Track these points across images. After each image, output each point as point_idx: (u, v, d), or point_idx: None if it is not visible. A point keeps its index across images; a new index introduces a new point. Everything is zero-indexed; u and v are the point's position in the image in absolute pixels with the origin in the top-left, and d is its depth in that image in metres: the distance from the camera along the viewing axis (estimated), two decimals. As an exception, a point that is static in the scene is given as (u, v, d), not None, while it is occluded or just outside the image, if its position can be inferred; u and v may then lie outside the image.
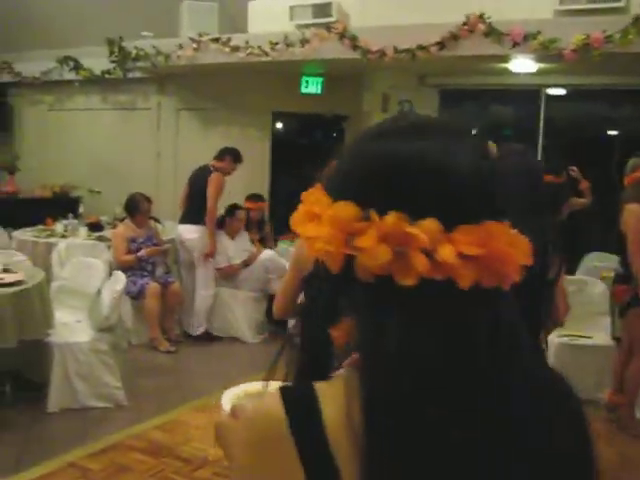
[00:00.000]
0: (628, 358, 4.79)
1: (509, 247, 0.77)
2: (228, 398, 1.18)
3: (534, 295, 2.55)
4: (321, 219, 0.77)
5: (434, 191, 0.75)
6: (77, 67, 8.95)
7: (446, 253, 0.73)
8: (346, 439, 0.73)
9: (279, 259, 6.78)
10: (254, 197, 7.37)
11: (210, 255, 6.54)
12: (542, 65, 6.54)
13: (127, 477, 3.75)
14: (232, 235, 6.93)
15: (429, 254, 0.73)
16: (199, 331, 6.65)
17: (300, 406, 0.76)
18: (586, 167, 5.96)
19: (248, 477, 0.78)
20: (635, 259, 4.43)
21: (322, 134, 9.40)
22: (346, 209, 0.75)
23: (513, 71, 6.82)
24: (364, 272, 0.75)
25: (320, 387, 0.77)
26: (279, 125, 8.98)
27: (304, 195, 0.82)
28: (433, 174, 0.76)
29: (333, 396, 0.76)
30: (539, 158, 7.44)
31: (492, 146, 2.48)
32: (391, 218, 0.74)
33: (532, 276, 2.42)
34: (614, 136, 7.83)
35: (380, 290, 0.75)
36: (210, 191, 6.45)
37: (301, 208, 0.81)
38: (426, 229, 0.73)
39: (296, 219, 0.81)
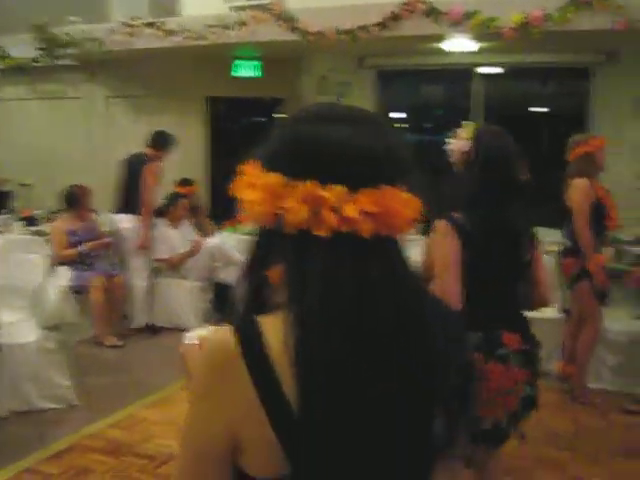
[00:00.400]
0: (578, 329, 4.91)
1: (401, 206, 0.99)
2: (191, 336, 1.24)
3: (512, 277, 2.57)
4: (255, 186, 0.99)
5: (342, 164, 0.97)
6: (2, 56, 8.56)
7: (350, 211, 0.95)
8: (286, 360, 0.93)
9: (225, 247, 6.68)
10: (184, 182, 7.17)
11: (143, 247, 6.42)
12: (480, 44, 6.59)
13: (89, 479, 3.62)
14: (174, 224, 6.79)
15: (337, 211, 0.95)
16: (140, 324, 6.52)
17: (248, 334, 0.96)
18: (521, 144, 6.06)
19: (207, 395, 0.98)
20: (582, 232, 4.53)
21: (259, 118, 9.28)
22: (275, 178, 0.98)
23: (451, 51, 6.85)
24: (289, 227, 0.97)
25: (262, 320, 0.98)
26: (215, 110, 8.82)
27: (241, 167, 1.03)
28: (341, 151, 0.98)
29: (274, 326, 0.96)
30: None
31: (469, 127, 2.46)
32: (308, 185, 0.96)
33: (510, 259, 2.41)
34: (548, 113, 7.98)
35: (302, 240, 0.97)
36: (147, 183, 6.30)
37: (240, 178, 1.02)
38: (334, 193, 0.95)
39: (236, 186, 1.02)
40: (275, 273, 1.01)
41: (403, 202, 1.00)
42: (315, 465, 0.94)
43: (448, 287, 2.40)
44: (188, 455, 1.00)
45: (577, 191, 4.55)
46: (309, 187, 0.95)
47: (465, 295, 2.41)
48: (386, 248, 1.00)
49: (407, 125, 8.99)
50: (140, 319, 6.53)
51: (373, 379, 0.95)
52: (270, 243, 1.02)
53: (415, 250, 5.42)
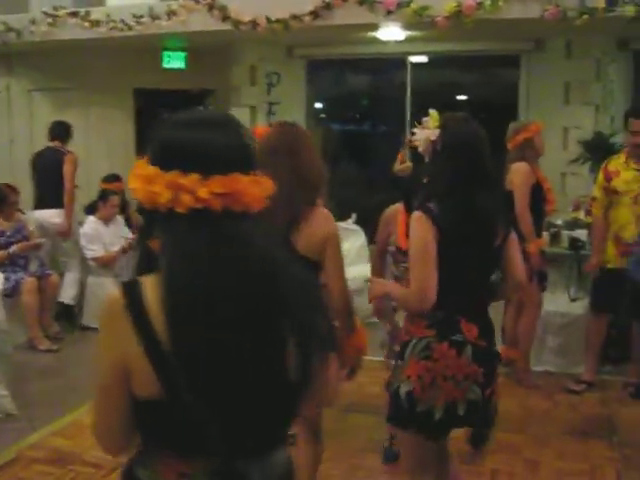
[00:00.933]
0: (518, 314, 4.99)
1: (247, 187, 1.29)
2: None
3: (485, 267, 2.56)
4: (138, 177, 1.30)
5: (198, 158, 1.28)
6: None
7: (202, 192, 1.25)
8: (160, 310, 1.24)
9: (160, 243, 6.50)
10: (110, 178, 6.99)
11: (66, 234, 6.37)
12: (412, 33, 6.62)
13: (36, 492, 3.47)
14: (106, 221, 6.58)
15: (193, 193, 1.25)
16: (70, 301, 6.49)
17: (130, 289, 1.28)
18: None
19: (104, 336, 1.31)
20: (523, 214, 4.58)
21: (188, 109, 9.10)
22: (151, 170, 1.29)
23: (382, 40, 6.85)
24: (160, 206, 1.28)
25: (144, 279, 1.29)
26: (142, 103, 8.59)
27: (136, 163, 1.33)
28: (198, 149, 1.29)
29: (152, 283, 1.27)
30: (408, 126, 7.61)
31: (435, 116, 2.43)
32: (171, 174, 1.26)
33: (483, 247, 2.39)
34: (479, 101, 8.09)
35: (169, 216, 1.28)
36: (70, 172, 6.33)
37: (133, 171, 1.32)
38: (190, 179, 1.26)
39: (130, 178, 1.32)
40: (155, 243, 1.32)
41: (249, 184, 1.29)
42: (181, 390, 1.24)
43: (426, 280, 2.38)
44: (98, 386, 1.33)
45: (518, 175, 4.60)
46: (171, 176, 1.26)
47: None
48: (238, 220, 1.29)
49: (337, 115, 8.99)
50: (71, 298, 6.49)
51: (225, 324, 1.24)
52: (151, 220, 1.32)
53: (353, 238, 5.34)
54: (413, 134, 2.53)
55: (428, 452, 2.60)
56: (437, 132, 2.44)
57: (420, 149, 2.51)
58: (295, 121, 2.90)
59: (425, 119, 2.48)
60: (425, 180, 2.61)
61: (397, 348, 3.80)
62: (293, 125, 2.73)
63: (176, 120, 1.36)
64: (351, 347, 2.70)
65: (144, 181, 1.29)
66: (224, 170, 1.27)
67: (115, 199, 6.58)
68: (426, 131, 2.46)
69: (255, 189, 1.30)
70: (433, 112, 2.47)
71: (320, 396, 1.51)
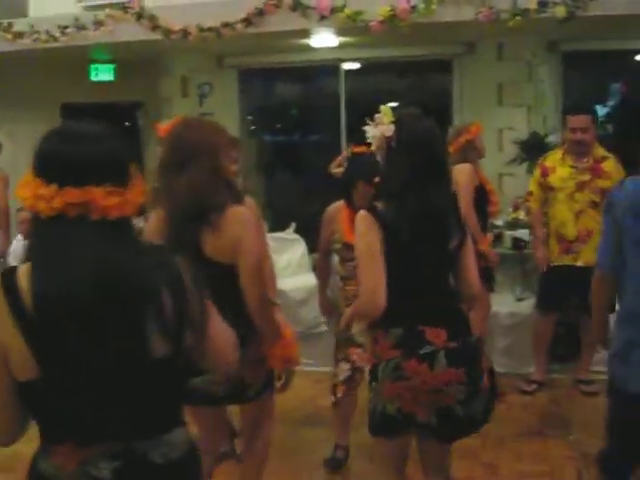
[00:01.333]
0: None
1: (105, 199, 1.45)
2: None
3: (440, 267, 2.49)
4: (21, 183, 1.50)
5: (55, 170, 1.45)
6: None
7: (55, 202, 1.44)
8: (29, 291, 1.43)
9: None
10: None
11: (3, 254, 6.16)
12: (343, 39, 6.57)
13: (-26, 534, 3.23)
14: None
15: (49, 202, 1.44)
16: None
17: (7, 277, 1.46)
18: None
19: None
20: (469, 214, 4.55)
21: (119, 123, 8.86)
22: (24, 179, 1.49)
23: (315, 47, 6.78)
24: (28, 209, 1.50)
25: (21, 268, 1.47)
26: (71, 118, 8.31)
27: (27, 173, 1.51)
28: (56, 161, 1.47)
29: (26, 271, 1.44)
30: (343, 131, 7.57)
31: (388, 111, 2.35)
32: (33, 183, 1.47)
33: (438, 246, 2.32)
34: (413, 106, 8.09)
35: (35, 218, 1.49)
36: (2, 191, 6.15)
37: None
38: (49, 189, 1.44)
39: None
40: None
41: (105, 196, 1.45)
42: (53, 368, 1.42)
43: (373, 282, 2.30)
44: None
45: (462, 175, 4.56)
46: (34, 184, 1.46)
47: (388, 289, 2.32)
48: (94, 226, 1.46)
49: (271, 125, 8.89)
50: None
51: (84, 314, 1.41)
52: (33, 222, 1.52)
53: (294, 248, 5.24)
54: (364, 132, 2.44)
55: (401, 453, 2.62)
56: (392, 128, 2.37)
57: (373, 147, 2.43)
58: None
59: (377, 116, 2.40)
60: (378, 179, 2.55)
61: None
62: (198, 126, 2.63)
63: (50, 133, 1.52)
64: (276, 357, 2.58)
65: (20, 187, 1.49)
66: (79, 182, 1.45)
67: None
68: (380, 127, 2.37)
69: (112, 200, 1.46)
70: (385, 108, 2.39)
71: (213, 364, 1.71)
